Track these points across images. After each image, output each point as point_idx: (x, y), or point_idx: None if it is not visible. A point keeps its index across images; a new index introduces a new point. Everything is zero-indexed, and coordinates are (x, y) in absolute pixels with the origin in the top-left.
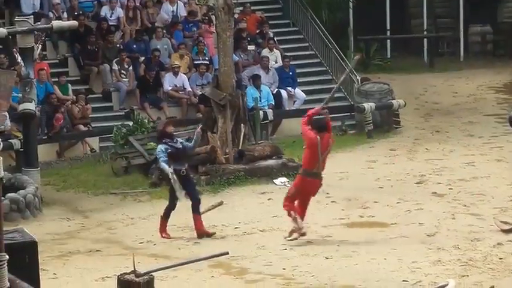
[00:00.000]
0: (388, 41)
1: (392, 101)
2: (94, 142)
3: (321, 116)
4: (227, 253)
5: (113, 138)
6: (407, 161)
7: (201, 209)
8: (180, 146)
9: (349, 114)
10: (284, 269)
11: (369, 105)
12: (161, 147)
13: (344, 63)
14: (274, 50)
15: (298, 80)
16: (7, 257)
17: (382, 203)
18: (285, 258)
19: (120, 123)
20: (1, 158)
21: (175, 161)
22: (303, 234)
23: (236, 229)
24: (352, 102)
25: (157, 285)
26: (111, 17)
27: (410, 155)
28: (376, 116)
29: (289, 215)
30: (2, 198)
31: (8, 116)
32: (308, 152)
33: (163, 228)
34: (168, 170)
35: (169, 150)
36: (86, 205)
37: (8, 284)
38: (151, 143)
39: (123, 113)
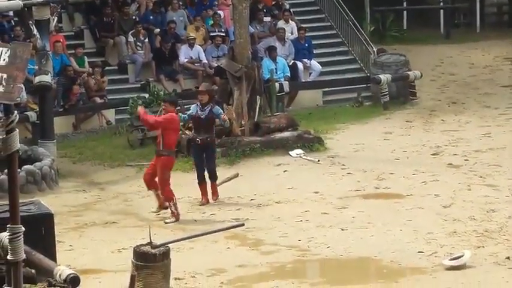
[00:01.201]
0: (405, 12)
1: (409, 72)
2: (110, 114)
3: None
4: (243, 224)
5: (128, 110)
6: (423, 133)
7: (218, 181)
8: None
9: (365, 85)
10: (300, 240)
11: (385, 77)
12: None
13: (360, 34)
14: (290, 21)
15: (314, 52)
16: (23, 228)
17: (397, 174)
18: (300, 230)
19: (135, 95)
20: (17, 130)
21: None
22: (178, 219)
23: (252, 201)
24: (368, 74)
25: (173, 256)
26: None
27: (427, 127)
28: (392, 88)
29: (171, 200)
30: (18, 170)
31: (24, 88)
32: (173, 134)
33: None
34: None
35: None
36: (102, 177)
37: (24, 256)
38: None
39: (139, 85)
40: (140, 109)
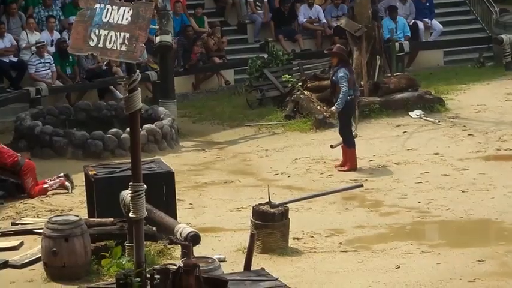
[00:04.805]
0: None
1: None
2: (229, 74)
3: None
4: (361, 186)
5: (247, 70)
6: None
7: (334, 142)
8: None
9: (487, 46)
10: (419, 202)
11: (507, 37)
12: (345, 71)
13: None
14: None
15: (435, 11)
16: (145, 186)
17: None
18: (420, 191)
19: (254, 55)
20: (139, 89)
21: (351, 87)
22: None
23: (370, 162)
24: (490, 34)
25: (291, 216)
26: None
27: None
28: None
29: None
30: (140, 129)
31: (145, 47)
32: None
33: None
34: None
35: (349, 77)
36: (221, 137)
37: (145, 213)
38: (286, 75)
39: (258, 45)
40: None
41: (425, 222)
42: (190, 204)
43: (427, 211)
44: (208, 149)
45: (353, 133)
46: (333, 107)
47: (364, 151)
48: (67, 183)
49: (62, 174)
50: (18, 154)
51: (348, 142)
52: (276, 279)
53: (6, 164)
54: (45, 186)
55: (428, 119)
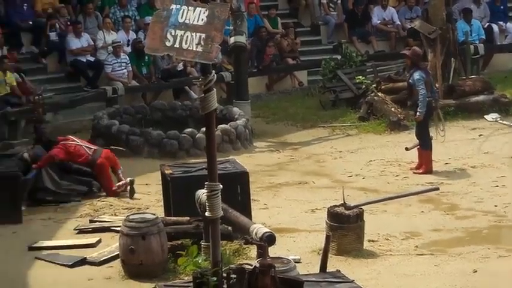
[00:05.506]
0: None
1: None
2: (302, 76)
3: None
4: (437, 189)
5: (321, 71)
6: None
7: (409, 145)
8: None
9: None
10: (496, 206)
11: None
12: (420, 73)
13: None
14: None
15: (510, 14)
16: (221, 186)
17: None
18: (496, 195)
19: (328, 56)
20: (214, 89)
21: (429, 90)
22: None
23: (446, 165)
24: None
25: (366, 218)
26: None
27: None
28: None
29: None
30: (215, 129)
31: (220, 48)
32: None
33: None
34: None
35: (425, 79)
36: (295, 138)
37: (221, 213)
38: (360, 77)
39: (331, 47)
40: None
41: (502, 226)
42: (265, 204)
43: (504, 215)
44: (282, 149)
45: (443, 136)
46: (417, 114)
47: (440, 154)
48: (129, 187)
49: (128, 180)
50: (95, 147)
51: (424, 144)
52: (352, 282)
53: (78, 163)
54: (114, 188)
55: (504, 122)
